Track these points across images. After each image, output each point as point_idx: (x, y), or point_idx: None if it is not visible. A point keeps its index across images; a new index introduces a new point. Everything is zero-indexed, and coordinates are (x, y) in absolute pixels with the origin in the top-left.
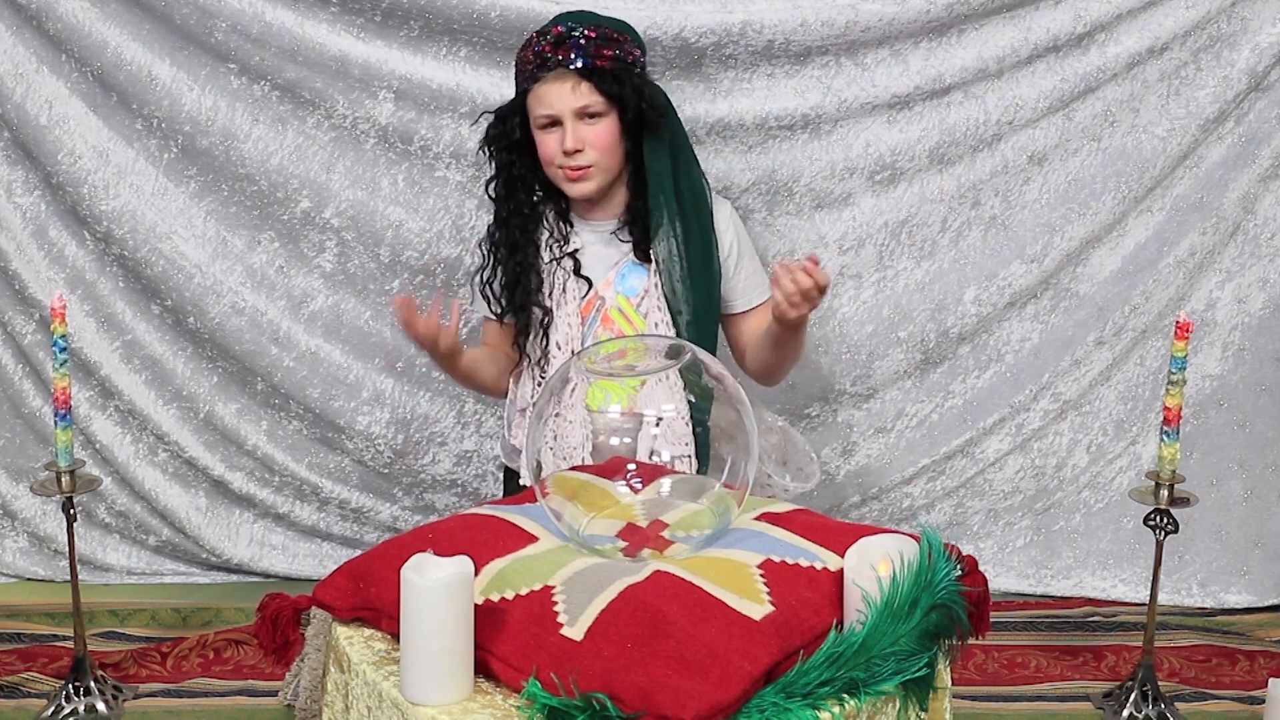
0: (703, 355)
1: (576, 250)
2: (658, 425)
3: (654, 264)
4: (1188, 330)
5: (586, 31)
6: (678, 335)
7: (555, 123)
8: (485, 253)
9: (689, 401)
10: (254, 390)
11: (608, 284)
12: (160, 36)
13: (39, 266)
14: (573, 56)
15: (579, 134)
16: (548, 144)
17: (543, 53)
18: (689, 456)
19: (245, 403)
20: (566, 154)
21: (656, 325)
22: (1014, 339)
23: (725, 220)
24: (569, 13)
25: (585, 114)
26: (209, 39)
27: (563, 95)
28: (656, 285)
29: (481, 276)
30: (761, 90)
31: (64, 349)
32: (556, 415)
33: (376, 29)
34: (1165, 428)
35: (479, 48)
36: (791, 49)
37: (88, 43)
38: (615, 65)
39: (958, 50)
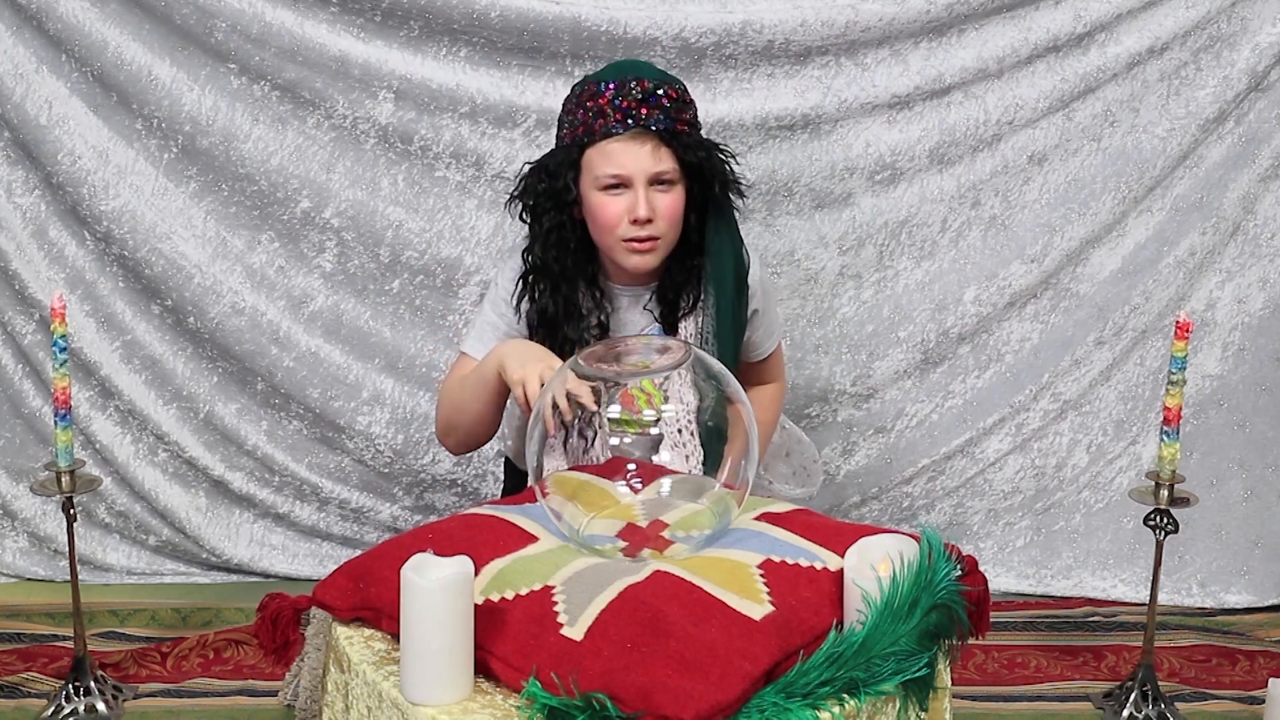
0: (700, 354)
1: (607, 315)
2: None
3: (681, 338)
4: (1188, 330)
5: (669, 91)
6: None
7: (622, 185)
8: (527, 322)
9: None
10: (254, 390)
11: None
12: (160, 36)
13: (39, 266)
14: (658, 117)
15: (651, 202)
16: (610, 209)
17: (624, 108)
18: (694, 456)
19: (245, 403)
20: (635, 223)
21: (681, 396)
22: (1014, 339)
23: (755, 282)
24: (630, 63)
25: (658, 180)
26: (209, 39)
27: (640, 158)
28: None
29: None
30: (761, 90)
31: (64, 349)
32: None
33: (376, 29)
34: (1165, 428)
35: (479, 48)
36: (791, 49)
37: (88, 43)
38: (691, 131)
39: (958, 50)
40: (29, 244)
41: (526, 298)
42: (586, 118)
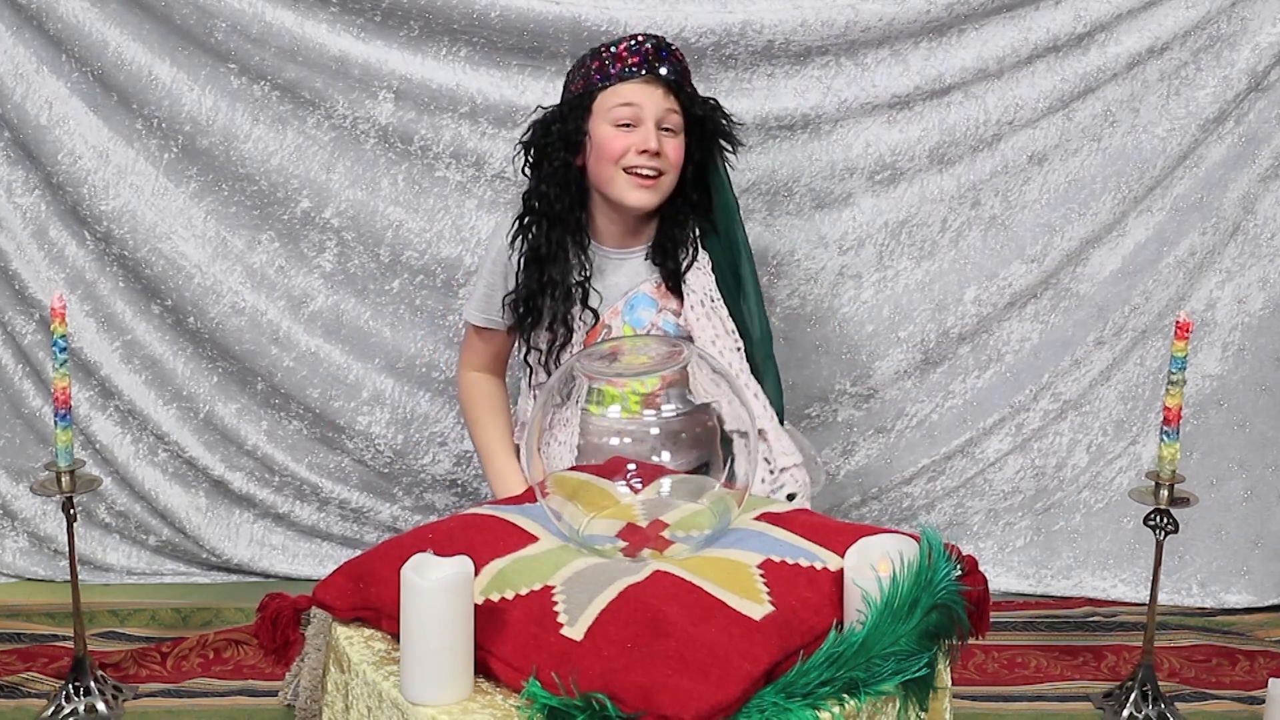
0: (703, 353)
1: (588, 276)
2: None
3: (688, 295)
4: (1188, 330)
5: (678, 51)
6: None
7: (631, 124)
8: (517, 261)
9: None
10: (254, 390)
11: (615, 313)
12: (160, 36)
13: (39, 266)
14: (670, 68)
15: (659, 140)
16: (618, 140)
17: (642, 54)
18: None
19: (245, 403)
20: (644, 153)
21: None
22: (1014, 339)
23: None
24: (636, 33)
25: (663, 125)
26: (209, 39)
27: (653, 98)
28: (679, 320)
29: (518, 287)
30: (761, 90)
31: (64, 349)
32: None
33: (376, 29)
34: (1165, 428)
35: (479, 48)
36: (791, 49)
37: (88, 43)
38: (694, 91)
39: (958, 50)
40: (29, 244)
41: (521, 236)
42: (602, 65)
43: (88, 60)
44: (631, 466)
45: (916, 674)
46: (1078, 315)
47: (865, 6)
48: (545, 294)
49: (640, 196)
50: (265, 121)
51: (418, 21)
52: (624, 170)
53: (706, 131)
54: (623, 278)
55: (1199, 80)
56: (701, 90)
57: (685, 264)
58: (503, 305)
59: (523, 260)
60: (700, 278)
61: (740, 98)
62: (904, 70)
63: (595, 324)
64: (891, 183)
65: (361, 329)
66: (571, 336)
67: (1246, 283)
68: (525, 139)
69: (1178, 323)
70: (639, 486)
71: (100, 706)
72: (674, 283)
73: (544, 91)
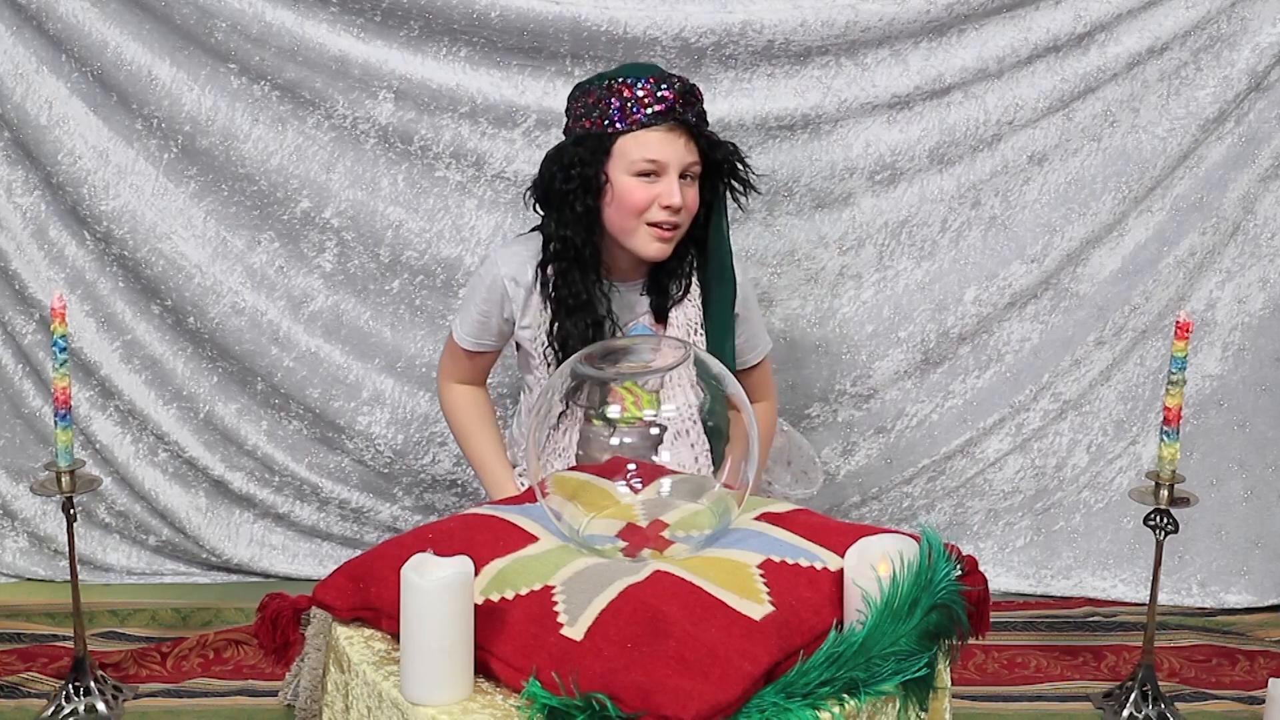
0: (702, 355)
1: (610, 312)
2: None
3: (670, 328)
4: (1188, 330)
5: (698, 92)
6: None
7: (654, 173)
8: (547, 307)
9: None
10: (254, 390)
11: None
12: (160, 36)
13: (39, 266)
14: (692, 113)
15: (681, 191)
16: (640, 193)
17: (666, 100)
18: (705, 455)
19: (245, 403)
20: (667, 209)
21: (682, 396)
22: (1014, 339)
23: (739, 286)
24: (647, 65)
25: (685, 173)
26: (209, 39)
27: (677, 148)
28: None
29: (550, 331)
30: (761, 90)
31: (64, 349)
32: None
33: (376, 29)
34: (1165, 428)
35: (479, 48)
36: (791, 49)
37: (88, 43)
38: (713, 135)
39: (958, 50)
40: (29, 244)
41: (551, 283)
42: (623, 106)
43: (88, 60)
44: (631, 466)
45: (916, 674)
46: (1078, 315)
47: (865, 6)
48: (581, 336)
49: (658, 249)
50: (265, 121)
51: (418, 21)
52: (646, 224)
53: (722, 174)
54: (624, 309)
55: (1199, 80)
56: (701, 90)
57: (677, 296)
58: (551, 347)
59: (553, 306)
60: (688, 310)
61: (740, 98)
62: (904, 70)
63: None
64: (891, 183)
65: (361, 329)
66: None
67: (1246, 283)
68: (543, 179)
69: (1178, 323)
70: (639, 486)
71: (100, 706)
72: (661, 315)
73: (544, 91)
